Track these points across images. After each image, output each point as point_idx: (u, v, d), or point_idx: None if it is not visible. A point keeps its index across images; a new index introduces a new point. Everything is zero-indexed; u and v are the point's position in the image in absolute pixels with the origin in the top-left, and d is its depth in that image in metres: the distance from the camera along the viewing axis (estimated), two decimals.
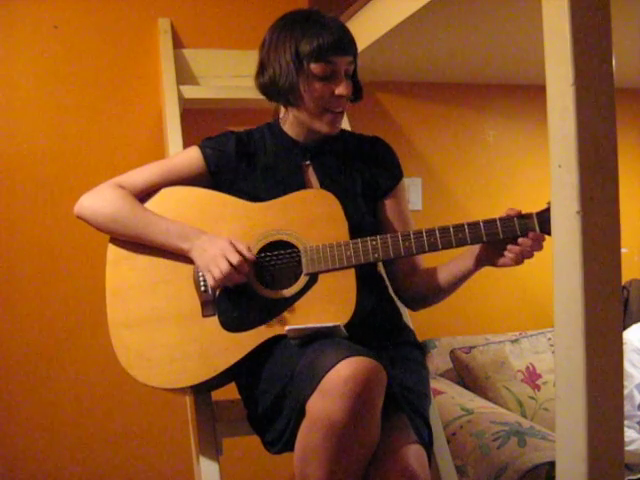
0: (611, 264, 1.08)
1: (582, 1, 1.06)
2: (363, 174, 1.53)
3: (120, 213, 1.42)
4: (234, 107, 2.35)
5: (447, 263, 1.48)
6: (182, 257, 1.41)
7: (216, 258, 1.34)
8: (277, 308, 1.37)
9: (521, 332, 2.61)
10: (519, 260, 1.35)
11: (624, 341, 2.28)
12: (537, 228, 1.33)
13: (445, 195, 2.69)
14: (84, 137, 2.27)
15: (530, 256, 1.35)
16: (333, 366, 1.15)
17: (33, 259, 2.23)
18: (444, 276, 1.47)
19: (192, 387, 1.38)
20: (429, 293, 1.51)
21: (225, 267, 1.33)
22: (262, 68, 1.47)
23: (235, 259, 1.33)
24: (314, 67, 1.39)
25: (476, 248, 1.41)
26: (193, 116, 2.28)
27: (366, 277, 1.45)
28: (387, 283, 1.58)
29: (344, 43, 1.40)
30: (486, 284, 2.66)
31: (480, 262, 1.41)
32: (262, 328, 1.36)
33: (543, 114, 1.13)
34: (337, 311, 1.33)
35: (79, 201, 1.46)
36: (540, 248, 1.34)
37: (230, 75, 2.33)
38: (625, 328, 2.47)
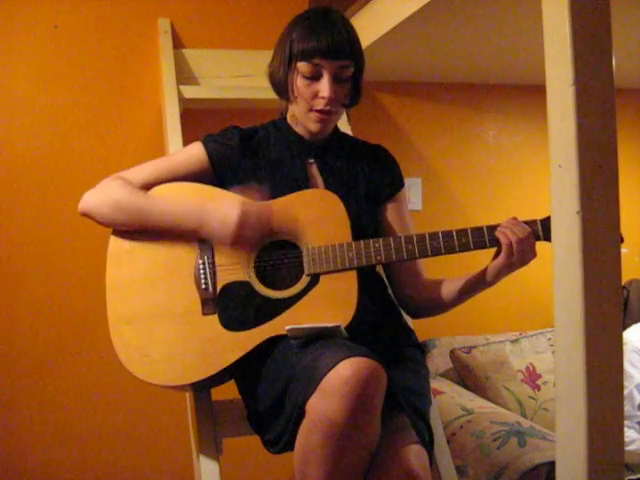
0: (611, 264, 1.09)
1: (582, 1, 1.06)
2: (366, 177, 1.53)
3: (123, 200, 1.40)
4: (234, 107, 2.35)
5: (459, 277, 1.46)
6: (184, 253, 1.40)
7: (229, 210, 1.33)
8: (278, 308, 1.36)
9: (521, 332, 2.61)
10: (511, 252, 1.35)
11: (624, 341, 2.28)
12: (540, 234, 1.35)
13: (445, 195, 2.68)
14: (84, 137, 2.27)
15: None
16: (333, 366, 1.15)
17: (33, 257, 2.23)
18: (455, 287, 1.45)
19: (191, 384, 1.38)
20: (432, 304, 1.51)
21: (242, 215, 1.32)
22: (272, 60, 1.52)
23: (250, 207, 1.34)
24: (300, 66, 1.42)
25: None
26: (193, 116, 2.28)
27: (366, 277, 1.45)
28: (386, 283, 1.58)
29: (335, 48, 1.39)
30: None
31: (497, 270, 1.40)
32: (262, 327, 1.35)
33: (543, 114, 1.13)
34: (338, 313, 1.33)
35: (82, 198, 1.44)
36: (529, 246, 1.35)
37: (230, 75, 2.33)
38: (625, 328, 2.46)
